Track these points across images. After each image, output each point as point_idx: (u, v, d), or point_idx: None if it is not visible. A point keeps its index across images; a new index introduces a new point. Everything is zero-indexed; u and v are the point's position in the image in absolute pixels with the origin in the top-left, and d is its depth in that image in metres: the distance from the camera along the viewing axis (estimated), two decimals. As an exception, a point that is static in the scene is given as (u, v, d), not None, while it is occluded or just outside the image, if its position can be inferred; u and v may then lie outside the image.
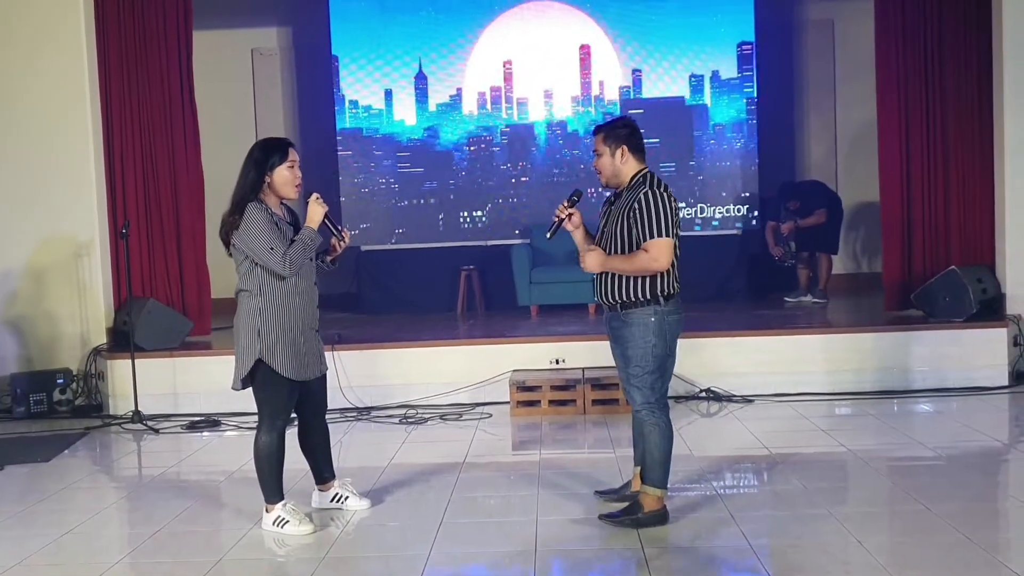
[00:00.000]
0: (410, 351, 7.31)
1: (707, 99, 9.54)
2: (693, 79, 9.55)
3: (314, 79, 10.23)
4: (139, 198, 7.82)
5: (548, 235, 4.51)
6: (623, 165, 4.34)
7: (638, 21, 9.57)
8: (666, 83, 9.59)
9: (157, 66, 7.80)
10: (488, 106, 9.71)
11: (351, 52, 9.68)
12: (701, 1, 9.52)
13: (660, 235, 4.18)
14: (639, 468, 4.48)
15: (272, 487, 4.47)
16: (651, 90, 9.59)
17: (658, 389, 4.32)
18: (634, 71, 9.59)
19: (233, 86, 10.33)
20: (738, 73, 9.55)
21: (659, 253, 4.18)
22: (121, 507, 5.18)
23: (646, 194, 4.21)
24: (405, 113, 9.72)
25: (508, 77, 9.67)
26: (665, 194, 4.23)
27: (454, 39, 9.68)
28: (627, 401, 4.54)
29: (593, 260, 4.29)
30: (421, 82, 9.66)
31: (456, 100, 9.70)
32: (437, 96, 9.71)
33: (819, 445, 5.75)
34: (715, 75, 9.55)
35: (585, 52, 9.60)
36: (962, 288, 7.24)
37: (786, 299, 9.17)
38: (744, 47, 9.53)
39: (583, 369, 6.99)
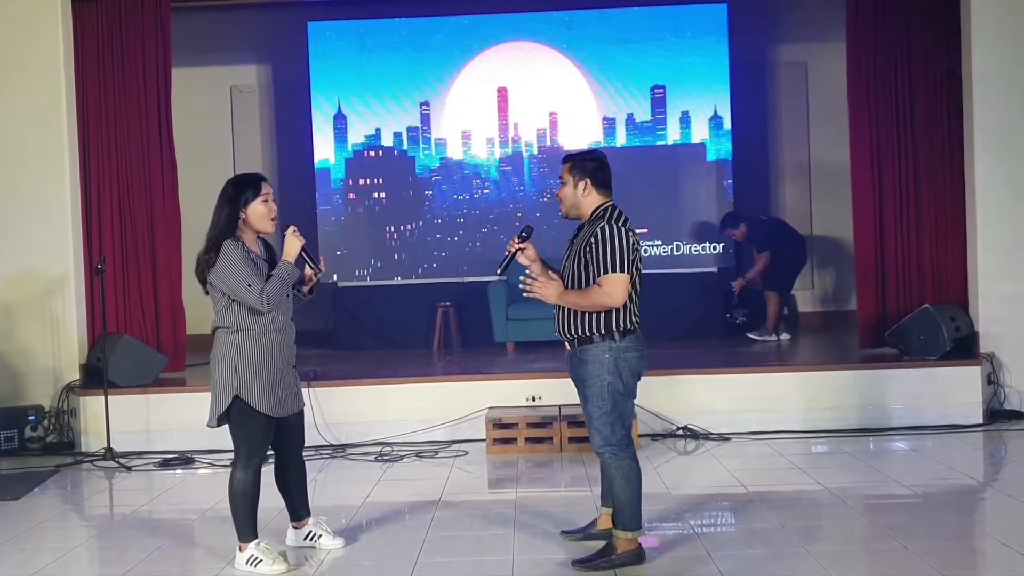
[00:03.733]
0: (386, 388, 7.27)
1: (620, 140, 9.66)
2: (606, 121, 9.67)
3: (293, 116, 10.25)
4: (115, 234, 7.79)
5: (499, 271, 4.46)
6: (584, 198, 4.31)
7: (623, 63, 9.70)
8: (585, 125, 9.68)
9: (135, 102, 7.80)
10: (467, 143, 9.76)
11: (330, 89, 9.72)
12: (679, 42, 9.66)
13: (614, 270, 4.12)
14: (608, 509, 4.44)
15: (246, 525, 4.42)
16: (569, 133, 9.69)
17: (618, 430, 4.24)
18: (550, 113, 9.70)
19: (212, 123, 10.32)
20: (651, 116, 9.66)
21: (613, 288, 4.13)
22: (91, 546, 5.10)
23: (602, 228, 4.17)
24: (387, 151, 9.76)
25: (502, 109, 9.74)
26: (623, 228, 4.18)
27: (436, 77, 9.74)
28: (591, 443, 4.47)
29: (551, 291, 4.23)
30: (340, 122, 9.67)
31: (441, 136, 9.75)
32: (416, 134, 9.75)
33: (796, 483, 5.75)
34: (629, 118, 9.66)
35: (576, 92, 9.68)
36: (935, 326, 7.30)
37: (750, 335, 9.21)
38: (656, 91, 9.63)
39: (560, 406, 6.97)
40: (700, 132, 9.64)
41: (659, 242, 9.63)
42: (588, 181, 4.30)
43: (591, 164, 4.34)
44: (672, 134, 9.66)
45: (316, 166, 9.75)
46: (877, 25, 7.80)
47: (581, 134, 9.66)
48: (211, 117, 10.33)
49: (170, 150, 7.93)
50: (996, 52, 7.36)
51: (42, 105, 7.51)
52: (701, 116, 9.64)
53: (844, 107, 8.05)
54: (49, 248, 7.50)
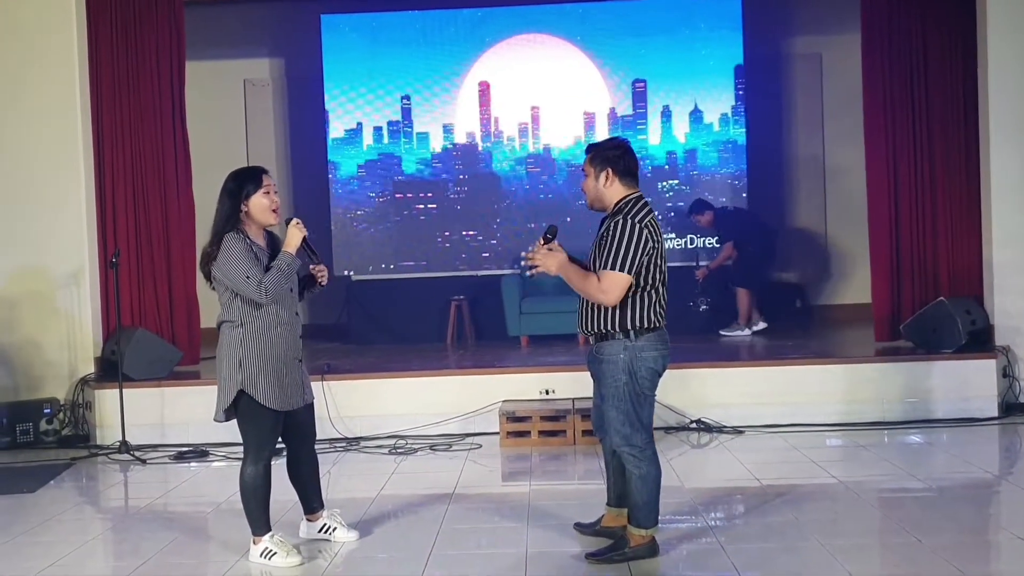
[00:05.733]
0: (400, 381, 7.28)
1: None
2: (585, 115, 9.64)
3: (306, 110, 10.27)
4: (130, 227, 7.81)
5: (529, 274, 4.30)
6: (607, 189, 4.20)
7: (634, 54, 9.67)
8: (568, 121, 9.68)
9: (149, 96, 7.82)
10: (486, 137, 9.75)
11: (343, 83, 9.73)
12: (692, 34, 9.62)
13: (615, 268, 4.03)
14: (615, 510, 4.44)
15: (259, 519, 4.44)
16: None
17: (639, 430, 4.19)
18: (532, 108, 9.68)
19: (225, 116, 10.35)
20: (633, 110, 9.62)
21: (610, 286, 4.04)
22: (107, 539, 5.13)
23: (617, 222, 4.08)
24: (395, 144, 9.76)
25: (485, 103, 9.73)
26: (638, 225, 4.07)
27: (446, 71, 9.73)
28: (598, 437, 4.44)
29: (553, 261, 4.14)
30: (352, 114, 9.68)
31: (443, 131, 9.75)
32: (427, 128, 9.75)
33: (810, 476, 5.73)
34: (612, 111, 9.64)
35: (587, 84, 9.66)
36: (951, 319, 7.27)
37: (722, 332, 9.14)
38: (638, 85, 9.59)
39: (573, 400, 6.97)
40: (715, 123, 9.60)
41: (673, 235, 9.62)
42: (610, 171, 4.19)
43: (612, 152, 4.22)
44: (684, 126, 9.63)
45: (328, 159, 9.75)
46: (892, 16, 7.76)
47: (591, 128, 9.66)
48: (225, 111, 10.36)
49: (184, 144, 7.95)
50: (1012, 43, 7.31)
51: (57, 100, 7.54)
52: (715, 108, 9.60)
53: (859, 99, 8.01)
54: (64, 242, 7.54)
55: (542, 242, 4.25)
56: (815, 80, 10.39)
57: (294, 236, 4.42)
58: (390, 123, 9.76)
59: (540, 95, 9.70)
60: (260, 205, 4.39)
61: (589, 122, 9.68)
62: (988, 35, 7.33)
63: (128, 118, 7.81)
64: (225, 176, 4.45)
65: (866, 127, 7.93)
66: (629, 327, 4.13)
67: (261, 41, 10.54)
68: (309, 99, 10.12)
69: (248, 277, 4.27)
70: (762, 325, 9.16)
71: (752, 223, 9.35)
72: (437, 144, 9.75)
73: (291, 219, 4.46)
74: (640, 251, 4.05)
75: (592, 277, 4.11)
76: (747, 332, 9.10)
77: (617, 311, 4.13)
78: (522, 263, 4.30)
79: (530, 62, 9.71)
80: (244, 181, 4.40)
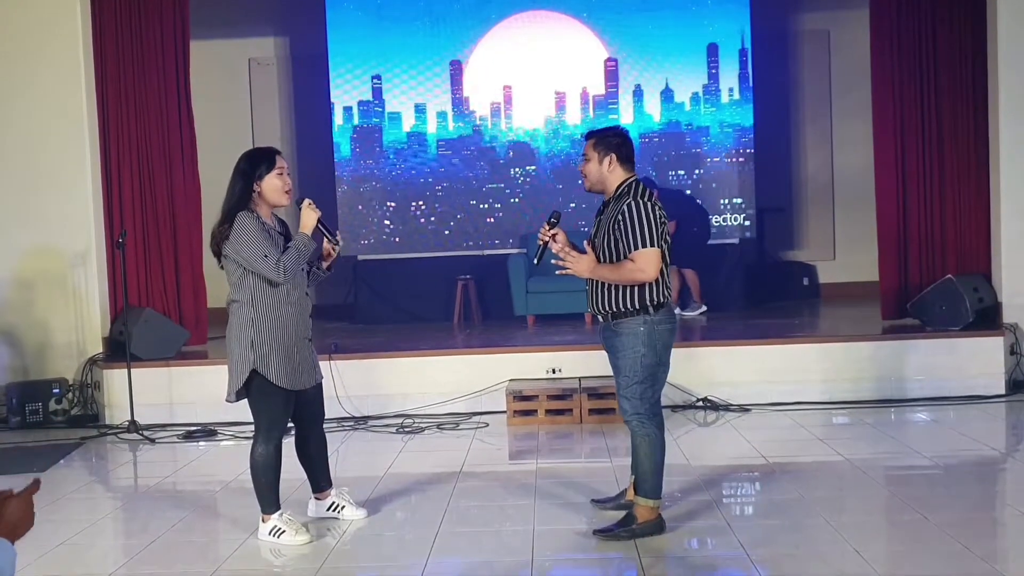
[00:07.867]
0: (407, 361, 7.30)
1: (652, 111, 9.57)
2: (560, 97, 9.59)
3: (311, 89, 10.24)
4: (136, 208, 7.82)
5: (536, 261, 4.44)
6: (610, 173, 4.34)
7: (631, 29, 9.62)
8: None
9: (154, 75, 7.81)
10: (486, 117, 9.73)
11: (348, 61, 9.69)
12: (694, 12, 9.56)
13: (646, 245, 4.17)
14: (635, 477, 4.49)
15: (268, 497, 4.46)
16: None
17: (648, 399, 4.30)
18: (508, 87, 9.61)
19: (230, 96, 10.34)
20: (605, 91, 9.57)
21: (645, 264, 4.17)
22: (117, 517, 5.16)
23: (629, 205, 4.20)
24: (410, 123, 9.74)
25: (491, 80, 9.69)
26: (650, 203, 4.23)
27: (450, 48, 9.69)
28: (619, 411, 4.54)
29: (584, 265, 4.28)
30: (353, 93, 9.66)
31: (443, 112, 9.72)
32: (430, 106, 9.71)
33: (816, 454, 5.74)
34: (583, 93, 9.60)
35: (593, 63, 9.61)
36: (958, 297, 7.25)
37: (682, 313, 9.07)
38: (609, 63, 9.53)
39: (580, 379, 6.98)
40: (724, 100, 9.55)
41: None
42: (613, 156, 4.32)
43: (615, 140, 4.37)
44: (686, 104, 9.58)
45: (334, 139, 9.73)
46: (901, -9, 7.71)
47: (595, 109, 9.62)
48: (229, 90, 10.35)
49: (189, 123, 7.95)
50: (1023, 17, 7.24)
51: (61, 81, 7.53)
52: (724, 83, 9.54)
53: (867, 75, 7.96)
54: (71, 223, 7.55)
55: (547, 227, 4.37)
56: (823, 56, 10.32)
57: (309, 217, 4.41)
58: (393, 102, 9.73)
59: (548, 72, 9.64)
60: (273, 186, 4.37)
61: (597, 99, 9.64)
62: (998, 9, 7.27)
63: (133, 98, 7.80)
64: (231, 155, 4.45)
65: (874, 103, 7.89)
66: (648, 303, 4.24)
67: (266, 20, 10.51)
68: (314, 78, 10.09)
69: (266, 256, 4.27)
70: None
71: (691, 204, 9.30)
72: (443, 123, 9.72)
73: (302, 200, 4.46)
74: (658, 227, 4.20)
75: (625, 263, 4.21)
76: (704, 308, 9.04)
77: (635, 290, 4.23)
78: (554, 261, 4.38)
79: (536, 39, 9.63)
80: (258, 162, 4.39)
